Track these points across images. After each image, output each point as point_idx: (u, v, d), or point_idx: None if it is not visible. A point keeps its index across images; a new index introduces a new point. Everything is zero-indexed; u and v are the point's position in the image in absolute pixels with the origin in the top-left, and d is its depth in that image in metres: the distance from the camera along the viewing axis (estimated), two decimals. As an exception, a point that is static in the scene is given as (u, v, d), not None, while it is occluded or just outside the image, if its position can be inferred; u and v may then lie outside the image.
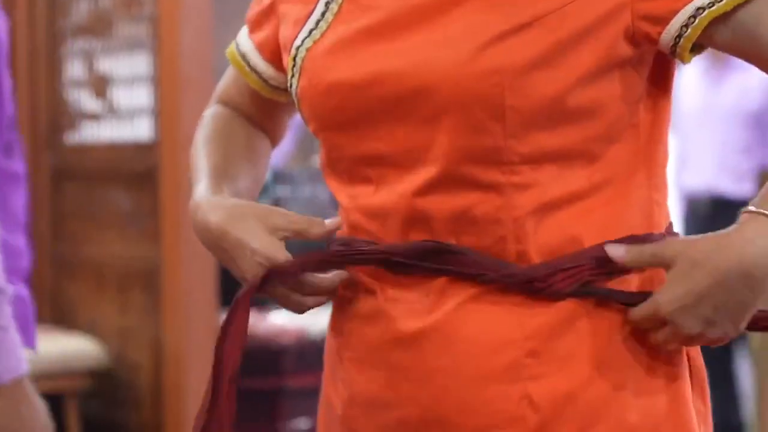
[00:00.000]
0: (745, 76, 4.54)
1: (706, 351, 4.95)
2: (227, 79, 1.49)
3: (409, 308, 1.27)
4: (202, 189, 1.35)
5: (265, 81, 1.43)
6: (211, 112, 1.48)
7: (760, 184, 1.43)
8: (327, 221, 1.31)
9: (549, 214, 1.26)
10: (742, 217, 1.22)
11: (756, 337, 3.84)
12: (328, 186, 1.37)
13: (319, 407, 1.42)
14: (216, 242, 1.32)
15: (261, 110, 1.47)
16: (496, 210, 1.25)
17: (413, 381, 1.28)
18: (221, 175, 1.37)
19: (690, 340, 1.25)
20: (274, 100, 1.44)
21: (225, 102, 1.48)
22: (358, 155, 1.30)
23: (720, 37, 1.25)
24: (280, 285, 1.29)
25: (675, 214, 2.22)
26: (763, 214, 1.21)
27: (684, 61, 1.28)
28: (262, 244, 1.28)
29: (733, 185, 4.70)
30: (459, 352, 1.27)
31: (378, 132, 1.28)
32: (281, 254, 1.27)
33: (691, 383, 1.32)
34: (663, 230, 1.30)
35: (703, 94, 4.83)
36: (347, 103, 1.29)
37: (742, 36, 1.25)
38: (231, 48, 1.45)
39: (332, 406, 1.38)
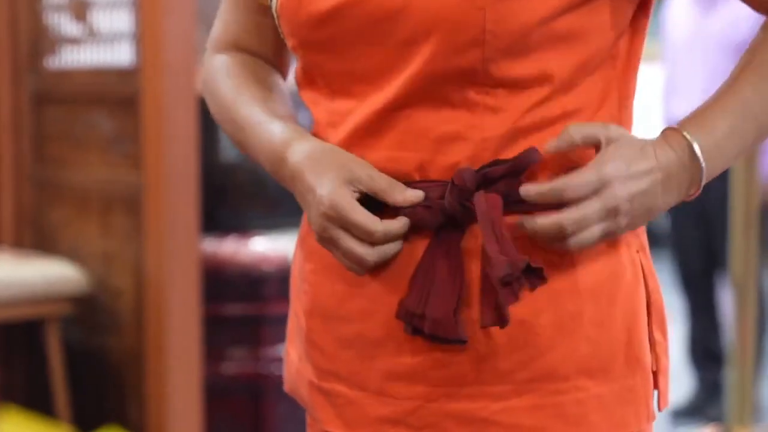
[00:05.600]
0: (735, 6, 4.51)
1: (688, 282, 5.00)
2: (227, 22, 1.45)
3: None
4: (279, 134, 1.31)
5: None
6: (223, 60, 1.43)
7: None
8: (408, 192, 1.24)
9: (520, 137, 1.25)
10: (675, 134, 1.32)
11: (738, 267, 3.85)
12: (304, 99, 1.35)
13: (289, 318, 1.43)
14: (290, 182, 1.28)
15: (271, 46, 1.43)
16: (466, 129, 1.24)
17: (371, 297, 1.28)
18: (290, 119, 1.33)
19: (583, 227, 1.21)
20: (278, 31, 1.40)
21: (232, 45, 1.44)
22: (340, 72, 1.29)
23: None
24: (346, 235, 1.23)
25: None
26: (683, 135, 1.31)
27: None
28: (331, 192, 1.23)
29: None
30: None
31: (358, 51, 1.26)
32: (349, 206, 1.22)
33: (650, 314, 1.32)
34: None
35: (693, 23, 4.81)
36: (327, 24, 1.27)
37: None
38: None
39: (297, 316, 1.39)
